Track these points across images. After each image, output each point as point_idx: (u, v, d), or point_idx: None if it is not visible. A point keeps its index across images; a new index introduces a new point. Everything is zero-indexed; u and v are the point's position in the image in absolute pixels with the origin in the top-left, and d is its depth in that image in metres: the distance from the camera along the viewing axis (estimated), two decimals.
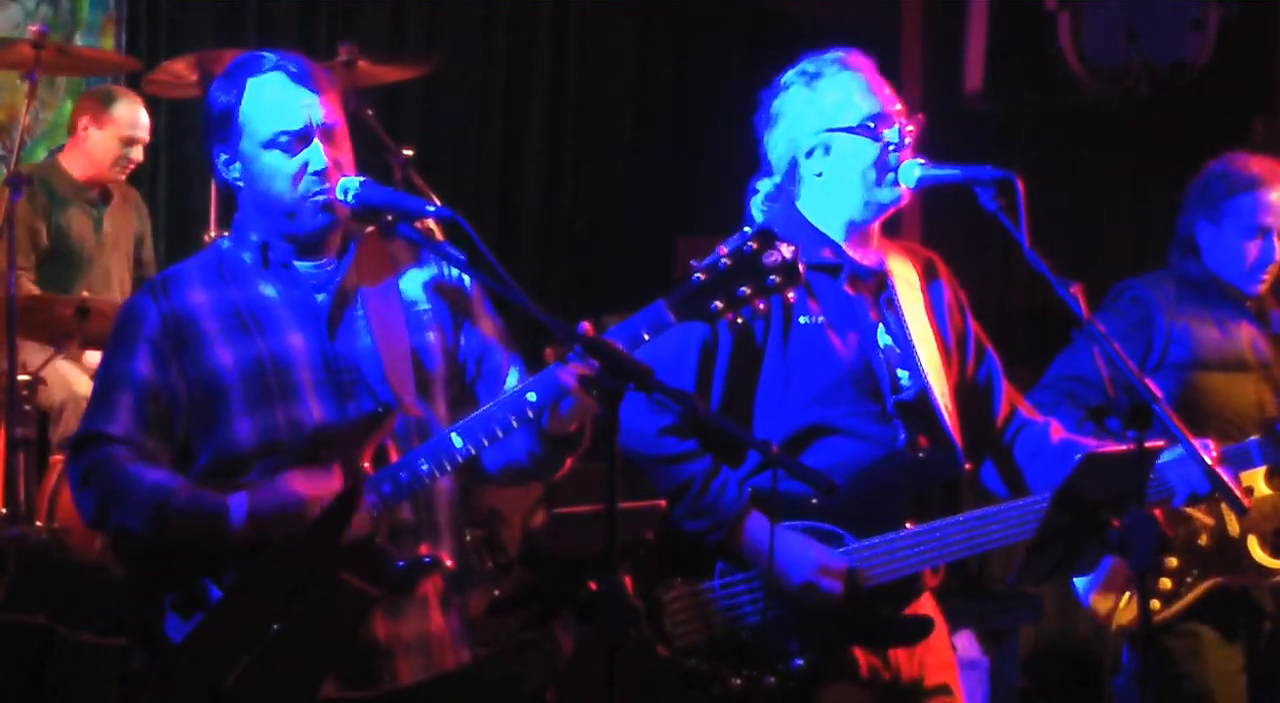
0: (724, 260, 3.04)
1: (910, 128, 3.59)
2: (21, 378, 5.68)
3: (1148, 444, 3.27)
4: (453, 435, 3.12)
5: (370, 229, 3.32)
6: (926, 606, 3.61)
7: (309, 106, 3.22)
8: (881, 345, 3.59)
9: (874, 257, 3.65)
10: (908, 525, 3.51)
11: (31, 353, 5.85)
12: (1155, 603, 4.24)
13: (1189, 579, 4.27)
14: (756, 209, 3.71)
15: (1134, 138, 7.45)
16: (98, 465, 3.19)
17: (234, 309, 3.24)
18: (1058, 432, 3.74)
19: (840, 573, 3.44)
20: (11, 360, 5.53)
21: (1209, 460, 3.44)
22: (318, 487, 3.09)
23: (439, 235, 5.32)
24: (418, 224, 3.31)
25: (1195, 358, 4.38)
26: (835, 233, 3.61)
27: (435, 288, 3.36)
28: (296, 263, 3.28)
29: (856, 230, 3.62)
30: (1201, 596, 4.29)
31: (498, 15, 7.83)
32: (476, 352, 3.36)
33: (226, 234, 3.39)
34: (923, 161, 3.58)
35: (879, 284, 3.64)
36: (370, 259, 3.32)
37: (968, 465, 3.64)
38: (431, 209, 3.23)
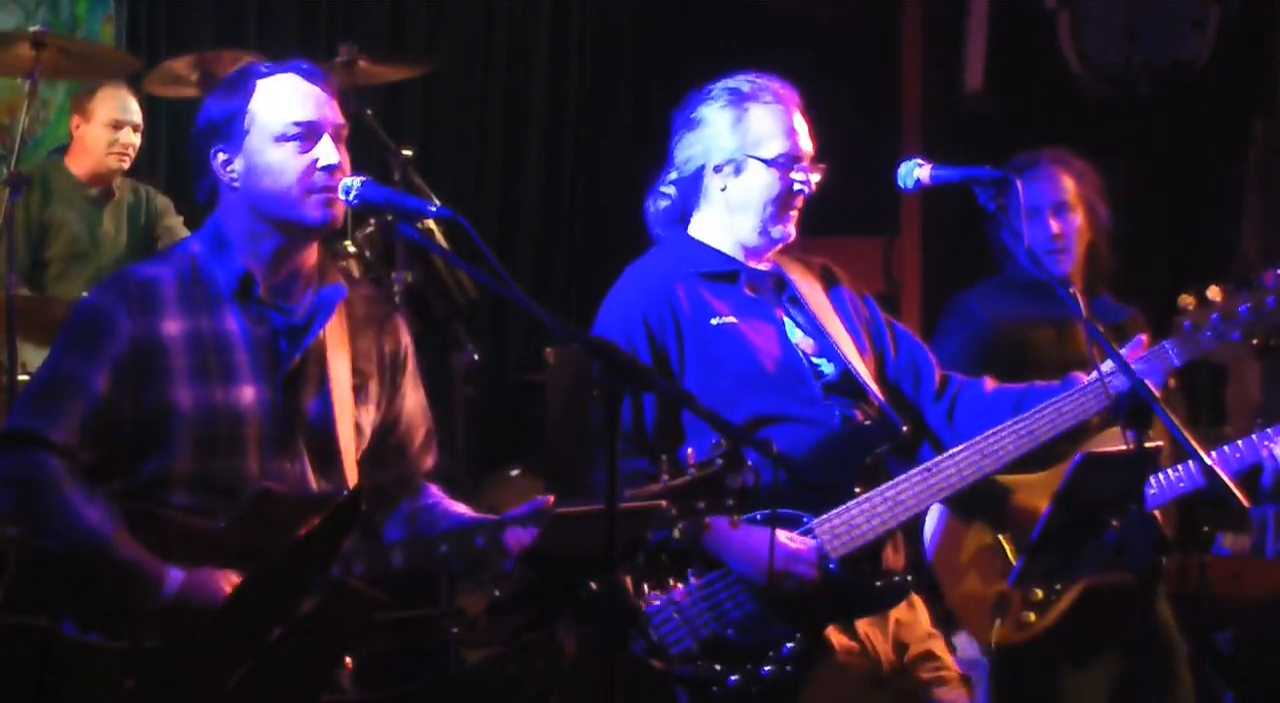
0: (691, 469, 3.08)
1: (816, 178, 3.68)
2: (21, 378, 5.67)
3: (1147, 445, 3.28)
4: (394, 553, 3.21)
5: (349, 294, 3.32)
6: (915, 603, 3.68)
7: (322, 104, 3.24)
8: (794, 340, 3.68)
9: (768, 264, 3.77)
10: (857, 491, 3.56)
11: (31, 353, 5.84)
12: (1030, 615, 4.14)
13: (1058, 586, 4.15)
14: (656, 225, 3.84)
15: (1134, 138, 7.44)
16: (32, 479, 3.15)
17: (201, 345, 3.20)
18: (991, 384, 3.81)
19: (809, 558, 3.49)
20: (11, 360, 5.53)
21: (1209, 460, 3.44)
22: None
23: (439, 235, 5.32)
24: (418, 224, 3.31)
25: (1032, 361, 4.30)
26: (728, 250, 3.73)
27: (382, 357, 3.37)
28: (272, 301, 3.25)
29: (748, 252, 3.73)
30: (1074, 602, 4.16)
31: (498, 15, 7.82)
32: (394, 421, 3.40)
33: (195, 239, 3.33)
34: (921, 162, 3.58)
35: (778, 285, 3.75)
36: (335, 320, 3.31)
37: (905, 427, 3.71)
38: (432, 209, 3.23)
